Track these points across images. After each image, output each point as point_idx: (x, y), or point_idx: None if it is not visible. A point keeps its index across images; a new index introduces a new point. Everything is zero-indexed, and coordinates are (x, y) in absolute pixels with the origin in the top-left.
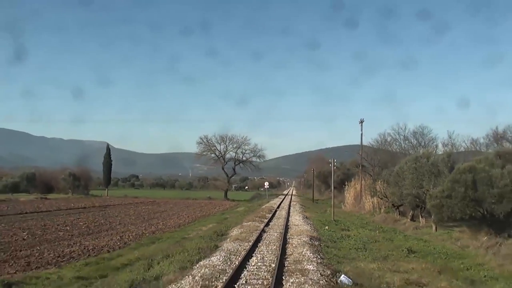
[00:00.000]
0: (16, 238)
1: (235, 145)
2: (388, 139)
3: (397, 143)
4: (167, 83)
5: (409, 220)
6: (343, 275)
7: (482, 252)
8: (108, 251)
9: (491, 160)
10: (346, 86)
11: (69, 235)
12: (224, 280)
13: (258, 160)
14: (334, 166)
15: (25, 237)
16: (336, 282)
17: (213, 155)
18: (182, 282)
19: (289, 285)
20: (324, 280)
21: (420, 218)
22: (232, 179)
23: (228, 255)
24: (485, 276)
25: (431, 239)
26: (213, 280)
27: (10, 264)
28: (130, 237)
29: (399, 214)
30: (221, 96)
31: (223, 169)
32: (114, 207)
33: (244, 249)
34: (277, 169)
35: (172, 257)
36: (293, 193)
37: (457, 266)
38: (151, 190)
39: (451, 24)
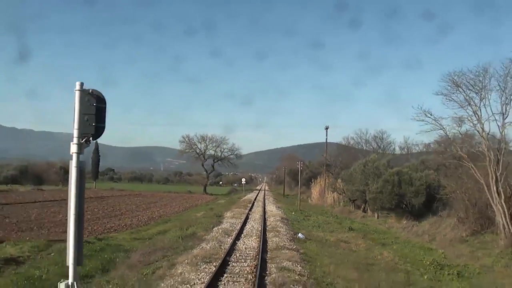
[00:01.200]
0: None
1: (214, 144)
2: (351, 142)
3: (359, 146)
4: (171, 82)
5: (360, 211)
6: (300, 233)
7: (400, 231)
8: (137, 226)
9: (415, 166)
10: (349, 85)
11: (96, 217)
12: (235, 233)
13: (235, 158)
14: (300, 167)
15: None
16: (296, 236)
17: (194, 153)
18: (211, 234)
19: (270, 236)
20: (289, 235)
21: (368, 210)
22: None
23: (231, 224)
24: (392, 242)
25: (371, 223)
26: (228, 232)
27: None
28: (145, 218)
29: (354, 206)
30: (225, 96)
31: (203, 165)
32: (110, 198)
33: (239, 222)
34: (249, 165)
35: (194, 226)
36: (266, 189)
37: (377, 237)
38: (129, 183)
39: (455, 24)
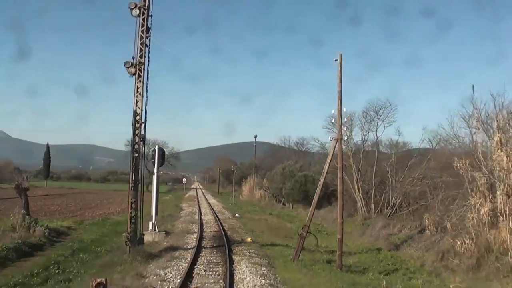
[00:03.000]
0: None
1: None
2: (276, 148)
3: (282, 150)
4: (171, 81)
5: (281, 204)
6: (237, 214)
7: (303, 215)
8: (120, 213)
9: (318, 170)
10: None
11: (80, 208)
12: (197, 213)
13: (174, 160)
14: (235, 170)
15: (58, 208)
16: (235, 215)
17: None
18: (183, 214)
19: (219, 215)
20: (230, 215)
21: (287, 203)
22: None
23: (191, 210)
24: (296, 220)
25: (285, 211)
26: (193, 213)
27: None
28: (119, 208)
29: (276, 201)
30: (225, 94)
31: (145, 166)
32: (70, 195)
33: (196, 209)
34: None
35: (167, 211)
36: (200, 187)
37: (287, 218)
38: (69, 181)
39: (455, 21)
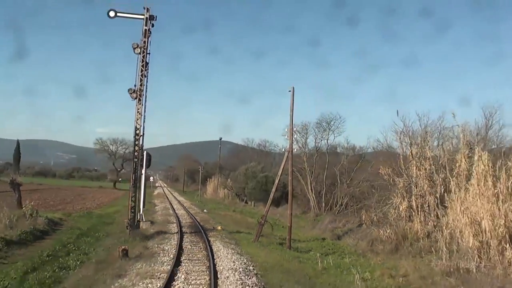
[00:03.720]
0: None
1: (124, 146)
2: (240, 148)
3: (245, 151)
4: (169, 81)
5: (243, 202)
6: (205, 209)
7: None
8: (98, 207)
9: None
10: (347, 84)
11: (59, 203)
12: (171, 208)
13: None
14: (201, 170)
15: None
16: (203, 211)
17: (106, 153)
18: (158, 209)
19: (189, 210)
20: (199, 210)
21: (249, 201)
22: (102, 171)
23: (164, 206)
24: (256, 216)
25: (248, 208)
26: (167, 208)
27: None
28: (95, 204)
29: (239, 199)
30: (223, 94)
31: (113, 164)
32: (43, 191)
33: (168, 204)
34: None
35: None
36: (165, 186)
37: (249, 214)
38: (34, 177)
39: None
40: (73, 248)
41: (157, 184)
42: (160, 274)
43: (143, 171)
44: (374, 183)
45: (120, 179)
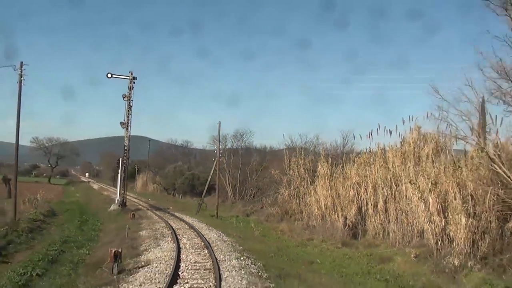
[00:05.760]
0: None
1: (57, 145)
2: (164, 148)
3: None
4: (158, 83)
5: (172, 195)
6: (149, 199)
7: (191, 201)
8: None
9: (205, 169)
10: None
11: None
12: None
13: (75, 156)
14: (128, 166)
15: None
16: (148, 199)
17: (41, 151)
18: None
19: (141, 199)
20: (146, 199)
21: (176, 194)
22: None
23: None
24: (182, 202)
25: (179, 200)
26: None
27: None
28: (52, 196)
29: (167, 193)
30: (212, 96)
31: (48, 161)
32: None
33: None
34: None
35: (98, 196)
36: (93, 181)
37: (179, 204)
38: None
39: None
40: (85, 220)
41: (83, 179)
42: (154, 224)
43: (119, 171)
44: (271, 179)
45: (44, 174)
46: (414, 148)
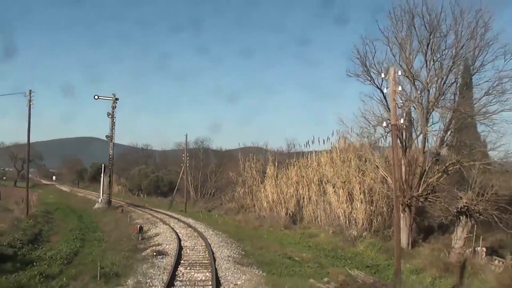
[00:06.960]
0: None
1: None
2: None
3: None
4: (158, 80)
5: (137, 196)
6: (121, 198)
7: (156, 201)
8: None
9: (167, 171)
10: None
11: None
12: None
13: (39, 161)
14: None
15: None
16: (123, 200)
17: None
18: (89, 197)
19: (116, 199)
20: (121, 199)
21: (142, 194)
22: None
23: (90, 197)
24: (153, 202)
25: (145, 199)
26: (97, 197)
27: None
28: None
29: (132, 194)
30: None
31: (15, 165)
32: None
33: (93, 197)
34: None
35: (76, 198)
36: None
37: (147, 201)
38: None
39: None
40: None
41: (46, 182)
42: (142, 216)
43: (102, 175)
44: (228, 180)
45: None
46: (340, 154)
